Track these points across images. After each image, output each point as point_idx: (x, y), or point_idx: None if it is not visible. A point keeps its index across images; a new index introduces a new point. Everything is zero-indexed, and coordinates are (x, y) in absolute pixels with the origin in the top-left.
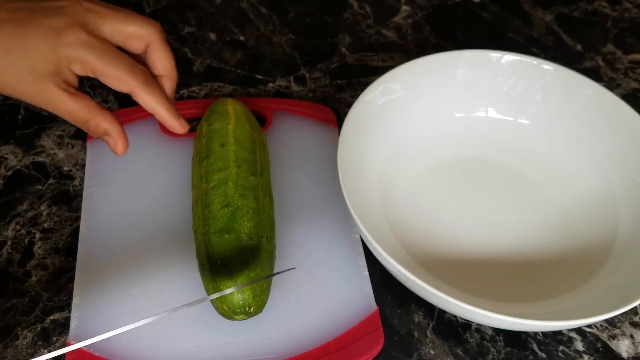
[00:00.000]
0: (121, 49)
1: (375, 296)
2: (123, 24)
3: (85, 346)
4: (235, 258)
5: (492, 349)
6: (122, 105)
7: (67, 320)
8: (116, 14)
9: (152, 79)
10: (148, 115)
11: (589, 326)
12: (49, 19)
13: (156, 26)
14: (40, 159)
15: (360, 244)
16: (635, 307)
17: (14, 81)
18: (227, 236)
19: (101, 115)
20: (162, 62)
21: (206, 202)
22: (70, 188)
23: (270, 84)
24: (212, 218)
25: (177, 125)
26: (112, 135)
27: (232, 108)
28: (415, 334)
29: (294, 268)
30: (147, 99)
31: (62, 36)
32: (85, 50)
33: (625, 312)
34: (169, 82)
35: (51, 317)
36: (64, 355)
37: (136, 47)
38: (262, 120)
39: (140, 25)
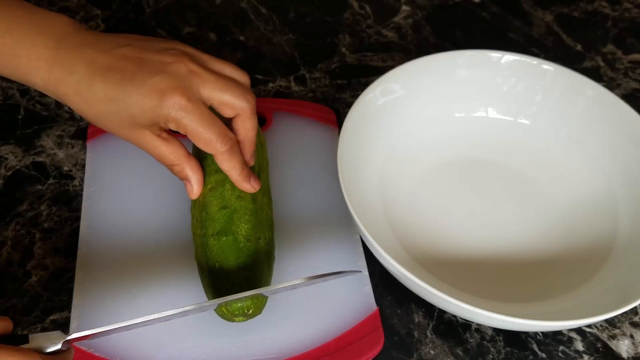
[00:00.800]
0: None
1: (375, 296)
2: (221, 92)
3: (84, 347)
4: (232, 261)
5: (492, 349)
6: None
7: (67, 320)
8: (217, 81)
9: (236, 147)
10: None
11: (589, 326)
12: (153, 78)
13: (250, 100)
14: (40, 159)
15: (360, 244)
16: (635, 307)
17: (111, 125)
18: (224, 239)
19: (187, 162)
20: (245, 132)
21: (204, 204)
22: (70, 188)
23: (270, 84)
24: (210, 220)
25: (248, 187)
26: (191, 182)
27: None
28: (415, 334)
29: (360, 272)
30: (226, 165)
31: (164, 99)
32: (182, 113)
33: (625, 312)
34: (247, 148)
35: (51, 317)
36: None
37: (227, 113)
38: (262, 120)
39: (236, 97)
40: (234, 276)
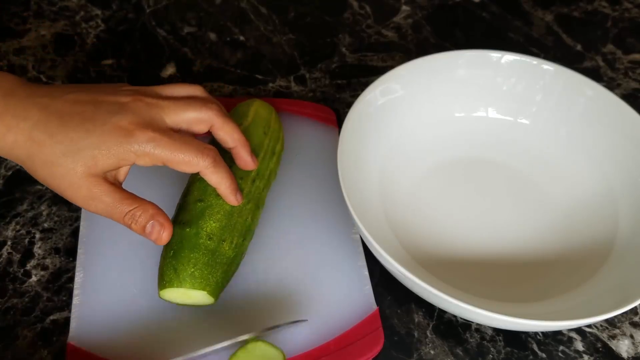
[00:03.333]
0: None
1: (375, 296)
2: (183, 113)
3: (84, 347)
4: (186, 253)
5: (492, 349)
6: None
7: (67, 320)
8: (176, 105)
9: (218, 157)
10: None
11: (589, 326)
12: (115, 117)
13: (213, 108)
14: None
15: (360, 243)
16: (635, 307)
17: (63, 171)
18: (187, 230)
19: (147, 203)
20: (228, 137)
21: (186, 192)
22: None
23: (270, 84)
24: (183, 209)
25: (233, 200)
26: (159, 220)
27: (254, 110)
28: (415, 334)
29: (306, 320)
30: (213, 178)
31: (131, 136)
32: (153, 144)
33: (625, 312)
34: (241, 150)
35: (51, 317)
36: (64, 355)
37: (201, 129)
38: None
39: (199, 111)
40: (182, 268)
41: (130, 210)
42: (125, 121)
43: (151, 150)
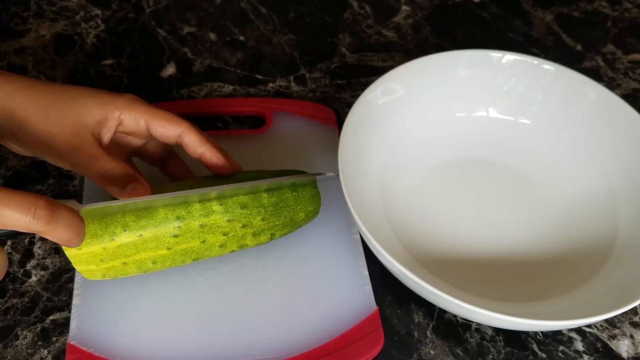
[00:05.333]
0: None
1: (375, 296)
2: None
3: (84, 347)
4: None
5: (492, 349)
6: None
7: (67, 320)
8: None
9: (193, 125)
10: None
11: (589, 326)
12: (105, 91)
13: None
14: (40, 159)
15: (360, 244)
16: (635, 307)
17: (56, 114)
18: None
19: (122, 164)
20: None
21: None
22: (70, 188)
23: (270, 84)
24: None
25: (223, 162)
26: (139, 180)
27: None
28: (415, 334)
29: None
30: (193, 134)
31: (118, 96)
32: (138, 101)
33: (625, 312)
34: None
35: (51, 317)
36: (64, 355)
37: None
38: (262, 121)
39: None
40: None
41: (108, 168)
42: (115, 92)
43: (138, 105)
